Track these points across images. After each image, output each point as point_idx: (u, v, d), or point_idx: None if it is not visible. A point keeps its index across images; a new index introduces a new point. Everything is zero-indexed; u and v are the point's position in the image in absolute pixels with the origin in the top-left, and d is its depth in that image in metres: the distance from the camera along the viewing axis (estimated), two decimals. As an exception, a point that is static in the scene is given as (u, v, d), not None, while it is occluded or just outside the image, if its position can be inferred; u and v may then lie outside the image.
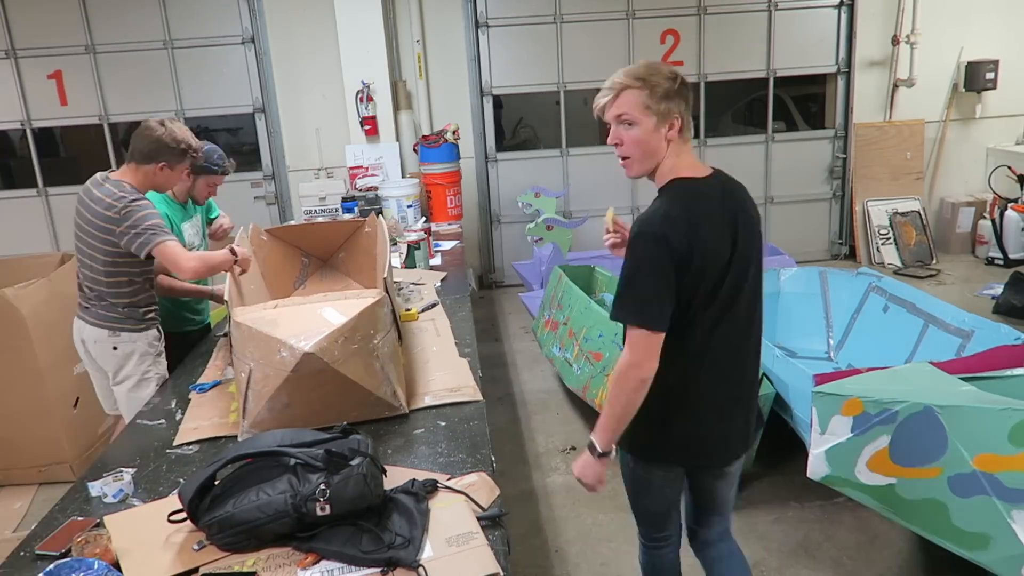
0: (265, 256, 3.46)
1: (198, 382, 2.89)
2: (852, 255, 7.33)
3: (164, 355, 3.12)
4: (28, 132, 6.43)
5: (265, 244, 3.53)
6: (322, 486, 1.74)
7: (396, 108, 6.47)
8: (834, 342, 4.38)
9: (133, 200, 2.81)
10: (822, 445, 2.50)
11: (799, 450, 3.57)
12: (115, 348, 3.00)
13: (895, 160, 7.15)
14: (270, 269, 3.45)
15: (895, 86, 7.05)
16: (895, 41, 6.92)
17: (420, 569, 1.66)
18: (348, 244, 3.75)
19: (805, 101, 7.59)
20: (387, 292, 2.53)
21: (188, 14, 6.33)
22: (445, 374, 2.77)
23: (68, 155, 7.12)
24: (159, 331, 3.11)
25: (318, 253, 3.79)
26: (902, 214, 7.10)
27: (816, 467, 2.53)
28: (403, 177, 6.40)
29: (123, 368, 3.01)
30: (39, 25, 6.22)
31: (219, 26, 6.39)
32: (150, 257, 2.86)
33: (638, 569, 2.62)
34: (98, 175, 2.95)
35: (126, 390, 3.02)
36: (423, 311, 3.50)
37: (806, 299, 4.51)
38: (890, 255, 7.04)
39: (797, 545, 3.17)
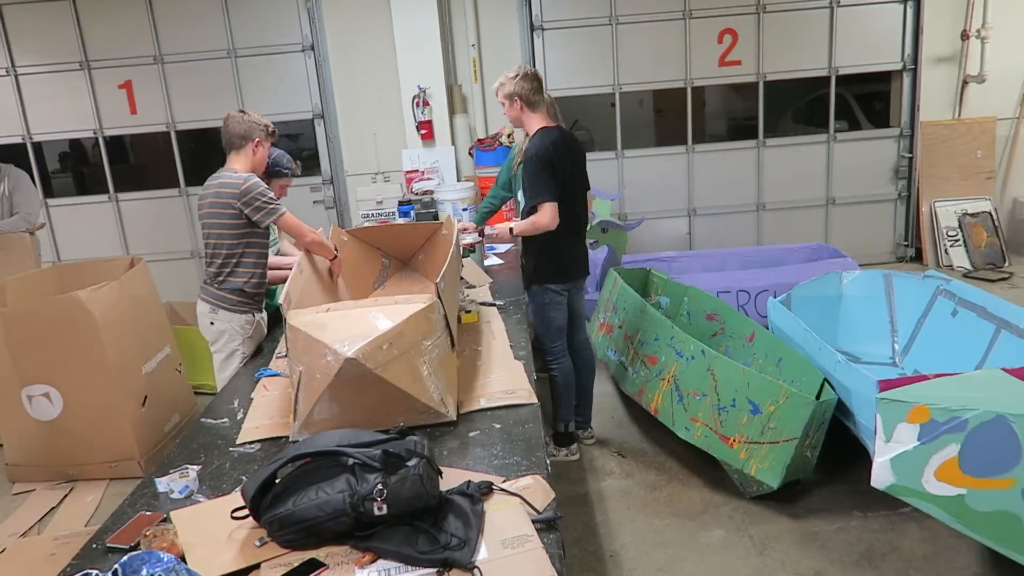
0: (345, 257, 3.53)
1: (269, 367, 3.06)
2: (918, 257, 7.10)
3: (256, 339, 3.46)
4: (100, 140, 6.69)
5: (346, 245, 3.59)
6: (379, 486, 1.76)
7: (451, 112, 6.52)
8: (899, 347, 4.25)
9: (245, 182, 3.22)
10: (887, 453, 2.43)
11: (862, 458, 3.48)
12: (212, 324, 3.39)
13: (964, 159, 6.90)
14: (350, 269, 3.52)
15: (964, 82, 6.80)
16: (964, 36, 6.69)
17: (475, 571, 1.67)
18: (427, 246, 3.78)
19: (869, 99, 7.38)
20: (440, 297, 2.52)
21: (250, 23, 6.50)
22: (500, 376, 2.78)
23: (137, 162, 7.37)
24: (254, 317, 3.43)
25: (398, 254, 3.84)
26: (972, 215, 6.85)
27: (881, 476, 2.46)
28: (458, 181, 6.45)
29: (216, 342, 3.41)
30: (111, 37, 6.46)
31: (280, 34, 6.54)
32: (267, 234, 3.38)
33: (693, 575, 2.59)
34: (216, 173, 3.36)
35: (218, 361, 3.43)
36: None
37: (870, 303, 4.38)
38: (959, 257, 6.79)
39: (860, 556, 3.08)
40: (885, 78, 7.04)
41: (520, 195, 3.77)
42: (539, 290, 3.73)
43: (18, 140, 6.61)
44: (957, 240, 6.83)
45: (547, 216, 3.51)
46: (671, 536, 3.31)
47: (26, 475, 4.21)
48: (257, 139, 3.38)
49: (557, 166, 3.51)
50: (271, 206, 3.25)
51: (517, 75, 3.57)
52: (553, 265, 3.69)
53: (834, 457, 3.64)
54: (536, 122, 3.64)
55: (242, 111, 3.42)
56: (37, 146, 6.70)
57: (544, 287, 3.71)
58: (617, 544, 3.29)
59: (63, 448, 4.09)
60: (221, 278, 3.35)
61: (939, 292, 4.10)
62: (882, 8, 6.68)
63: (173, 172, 6.79)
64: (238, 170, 3.31)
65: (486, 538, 1.79)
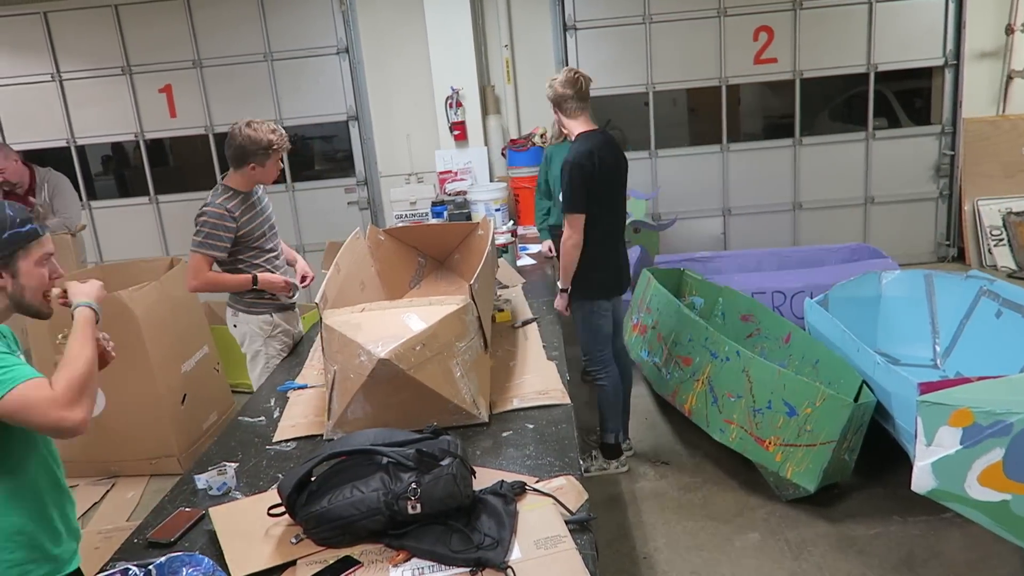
0: (382, 256, 3.55)
1: (295, 381, 3.01)
2: (961, 257, 6.94)
3: (279, 339, 3.44)
4: (141, 143, 6.83)
5: (382, 244, 3.62)
6: (413, 485, 1.77)
7: (484, 113, 6.53)
8: (941, 349, 4.16)
9: (205, 206, 3.20)
10: (928, 457, 2.38)
11: (901, 461, 3.41)
12: (235, 326, 3.46)
13: (1009, 156, 6.73)
14: (386, 269, 3.54)
15: (1009, 78, 6.64)
16: (1009, 30, 6.52)
17: (508, 570, 1.67)
18: (463, 246, 3.81)
19: (909, 96, 7.23)
20: (473, 299, 2.53)
21: (286, 27, 6.58)
22: (533, 377, 2.78)
23: (176, 164, 7.51)
24: (272, 317, 3.41)
25: (434, 254, 3.87)
26: (1017, 213, 6.67)
27: (921, 480, 2.40)
28: (491, 181, 6.46)
29: (243, 344, 3.46)
30: (151, 43, 6.58)
31: (315, 37, 6.61)
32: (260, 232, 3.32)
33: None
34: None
35: (248, 362, 3.48)
36: (520, 326, 3.38)
37: (910, 304, 4.29)
38: (1003, 257, 6.63)
39: (900, 561, 3.03)
40: (926, 74, 6.90)
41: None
42: (586, 303, 3.61)
43: (62, 144, 6.77)
44: (1001, 239, 6.66)
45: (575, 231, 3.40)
46: (705, 539, 3.28)
47: (70, 470, 4.23)
48: (252, 164, 3.19)
49: (595, 174, 3.35)
50: (198, 239, 3.16)
51: (556, 80, 3.42)
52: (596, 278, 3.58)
53: (872, 460, 3.58)
54: (576, 127, 3.47)
55: (248, 124, 3.18)
56: (80, 149, 6.86)
57: (593, 301, 3.61)
58: (651, 546, 3.27)
59: (105, 445, 4.17)
60: None
61: (982, 293, 4.01)
62: (923, 2, 6.54)
63: (211, 174, 6.90)
64: (223, 186, 3.25)
65: (519, 538, 1.79)
